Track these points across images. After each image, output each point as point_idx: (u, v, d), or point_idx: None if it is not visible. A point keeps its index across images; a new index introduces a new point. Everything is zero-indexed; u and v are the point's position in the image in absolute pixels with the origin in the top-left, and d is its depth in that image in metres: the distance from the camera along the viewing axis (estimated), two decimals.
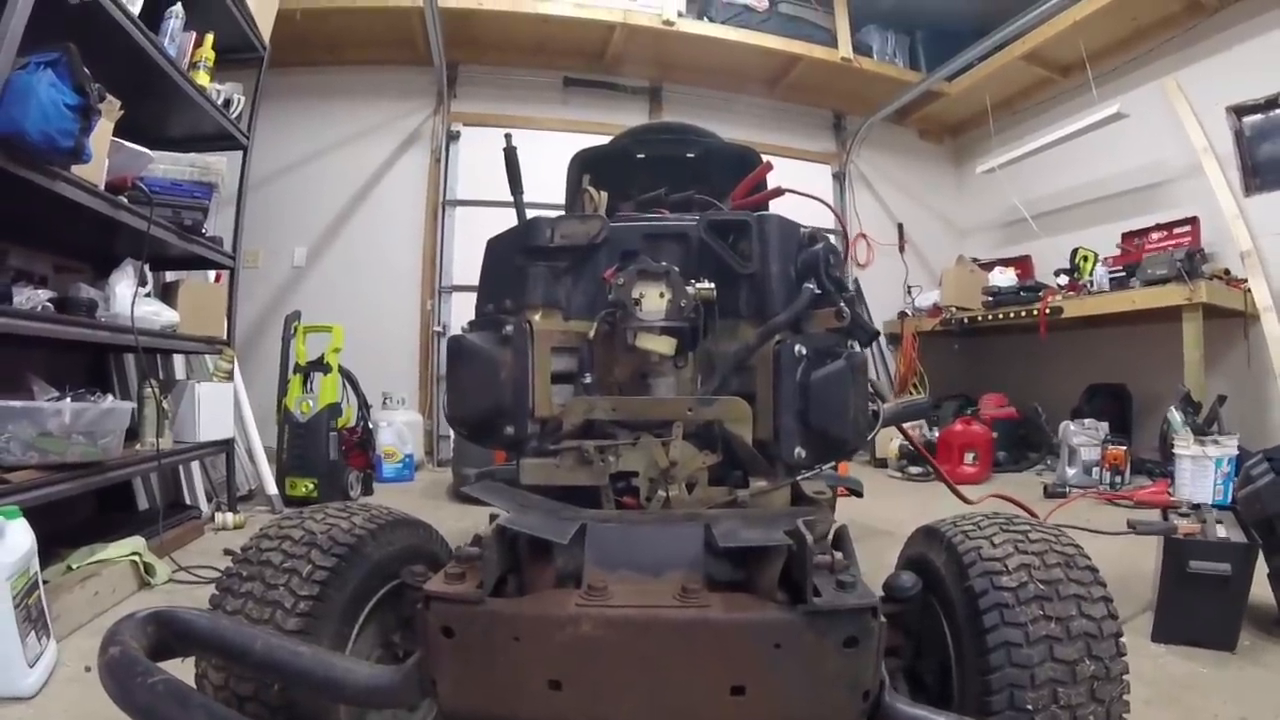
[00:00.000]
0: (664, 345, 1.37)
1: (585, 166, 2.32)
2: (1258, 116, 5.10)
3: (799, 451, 1.36)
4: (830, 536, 1.47)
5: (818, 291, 1.41)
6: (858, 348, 1.47)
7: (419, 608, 1.01)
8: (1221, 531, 2.21)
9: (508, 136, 2.04)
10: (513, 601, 1.03)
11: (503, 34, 6.27)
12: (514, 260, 1.54)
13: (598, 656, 0.94)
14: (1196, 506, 2.48)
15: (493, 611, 0.97)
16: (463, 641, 0.97)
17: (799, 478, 1.40)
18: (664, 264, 1.37)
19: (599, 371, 1.49)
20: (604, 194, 2.06)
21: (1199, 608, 2.14)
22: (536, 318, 1.49)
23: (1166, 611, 2.19)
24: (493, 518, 1.20)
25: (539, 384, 1.46)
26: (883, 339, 7.31)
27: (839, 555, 1.05)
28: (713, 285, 1.39)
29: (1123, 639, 1.15)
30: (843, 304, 1.42)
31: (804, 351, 1.36)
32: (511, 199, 1.91)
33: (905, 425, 2.97)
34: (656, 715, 0.95)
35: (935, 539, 1.33)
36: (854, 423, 1.36)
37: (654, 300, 1.36)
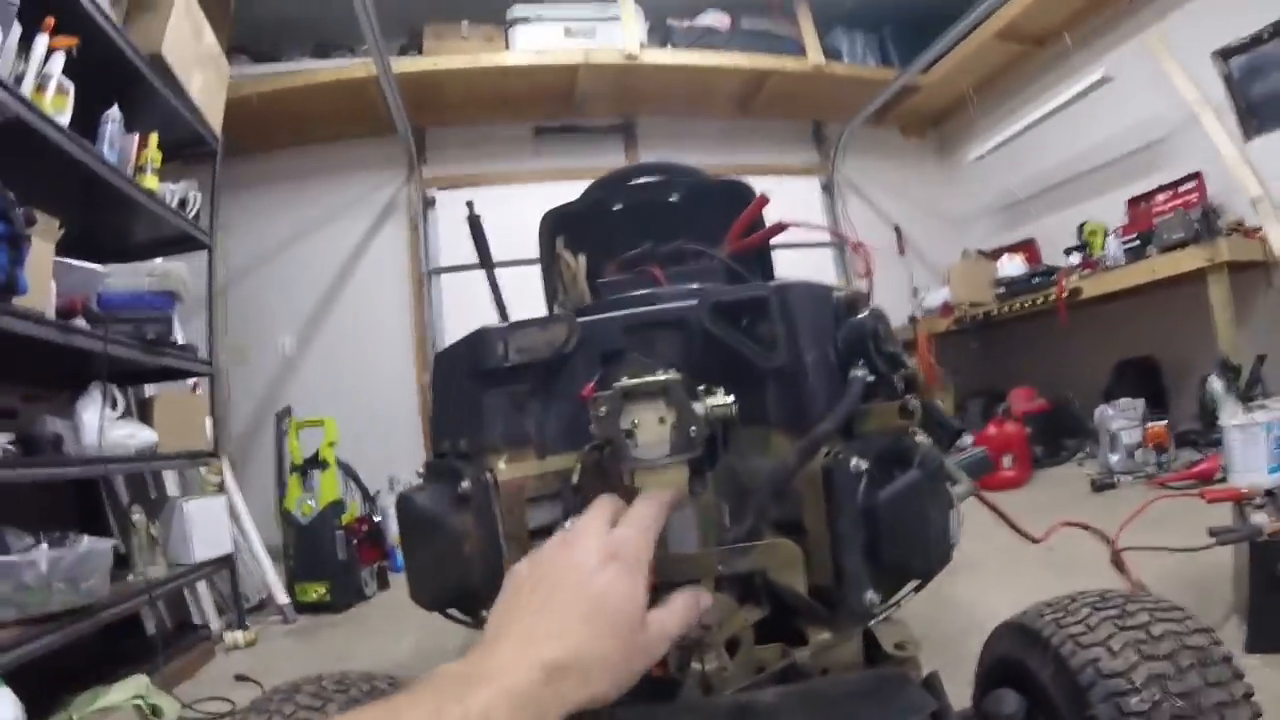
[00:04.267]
0: (672, 484, 0.98)
1: (558, 228, 2.03)
2: (1244, 57, 4.91)
3: (870, 597, 1.00)
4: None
5: (871, 379, 1.05)
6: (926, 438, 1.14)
7: None
8: None
9: (469, 205, 1.84)
10: None
11: (465, 92, 6.14)
12: (465, 385, 1.19)
13: None
14: (1271, 494, 2.26)
15: None
16: None
17: (871, 623, 1.07)
18: (659, 376, 0.97)
19: None
20: (582, 258, 1.82)
21: None
22: (501, 464, 1.14)
23: (1260, 620, 1.99)
24: None
25: (514, 551, 1.11)
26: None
27: None
28: (730, 400, 0.99)
29: None
30: (910, 397, 1.07)
31: (863, 466, 1.00)
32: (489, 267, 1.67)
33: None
34: None
35: (1034, 642, 1.08)
36: (936, 544, 1.02)
37: (652, 428, 0.96)
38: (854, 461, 0.97)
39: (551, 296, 2.06)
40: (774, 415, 1.06)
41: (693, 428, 0.93)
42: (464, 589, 1.11)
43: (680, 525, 1.01)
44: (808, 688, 1.01)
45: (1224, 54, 4.97)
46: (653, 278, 1.57)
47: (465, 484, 1.09)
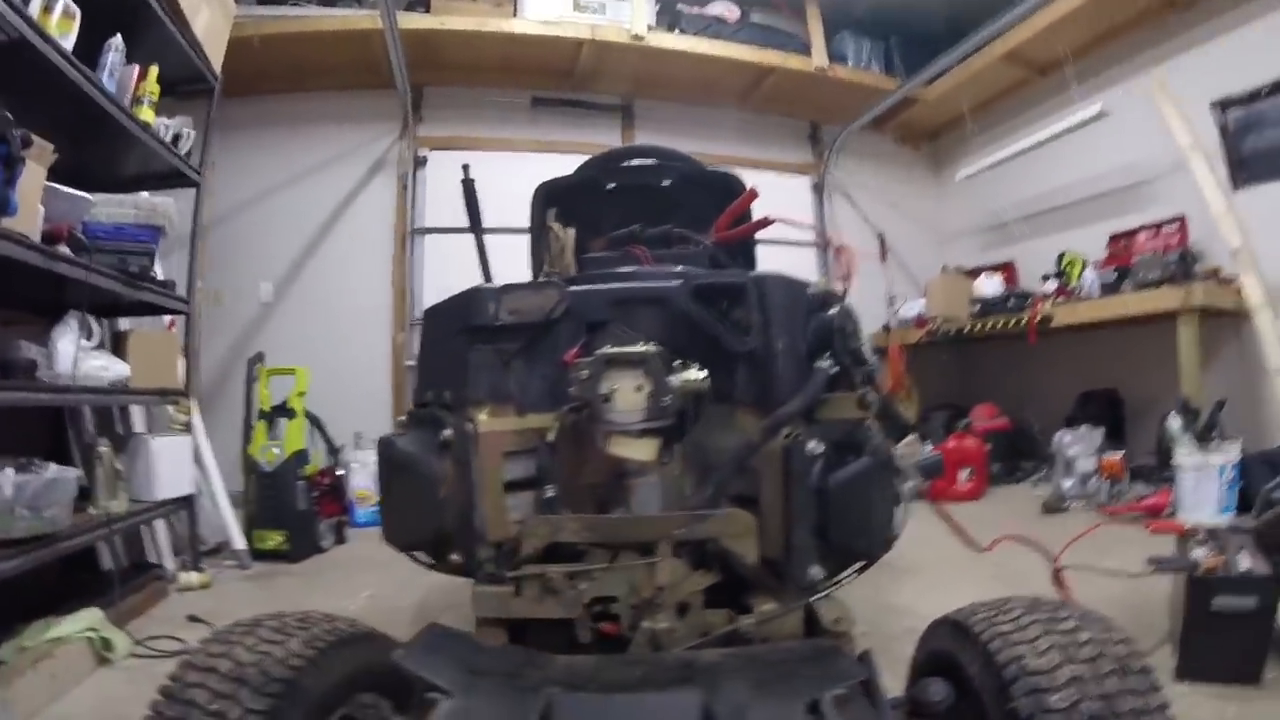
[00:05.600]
0: (644, 451, 1.06)
1: (550, 200, 2.07)
2: (1242, 109, 4.99)
3: (815, 571, 1.08)
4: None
5: (835, 370, 1.13)
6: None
7: None
8: (1244, 562, 2.08)
9: (465, 168, 1.86)
10: None
11: (468, 54, 6.09)
12: (454, 340, 1.24)
13: None
14: (1214, 532, 2.35)
15: None
16: None
17: (814, 598, 1.12)
18: (640, 347, 1.05)
19: (565, 475, 1.18)
20: (571, 231, 1.85)
21: (1223, 643, 2.03)
22: (482, 416, 1.20)
23: (1191, 650, 2.08)
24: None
25: (489, 501, 1.17)
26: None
27: None
28: (705, 374, 1.08)
29: None
30: (869, 390, 1.13)
31: (819, 449, 1.08)
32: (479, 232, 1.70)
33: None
34: None
35: (966, 639, 1.13)
36: (880, 530, 1.10)
37: (628, 396, 1.03)
38: (811, 444, 1.04)
39: (538, 266, 2.09)
40: (742, 395, 1.13)
41: (667, 398, 1.00)
42: (437, 531, 1.16)
43: (645, 491, 1.08)
44: (749, 651, 1.07)
45: (1223, 105, 5.05)
46: (638, 258, 1.62)
47: (448, 432, 1.14)
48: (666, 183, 2.11)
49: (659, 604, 1.08)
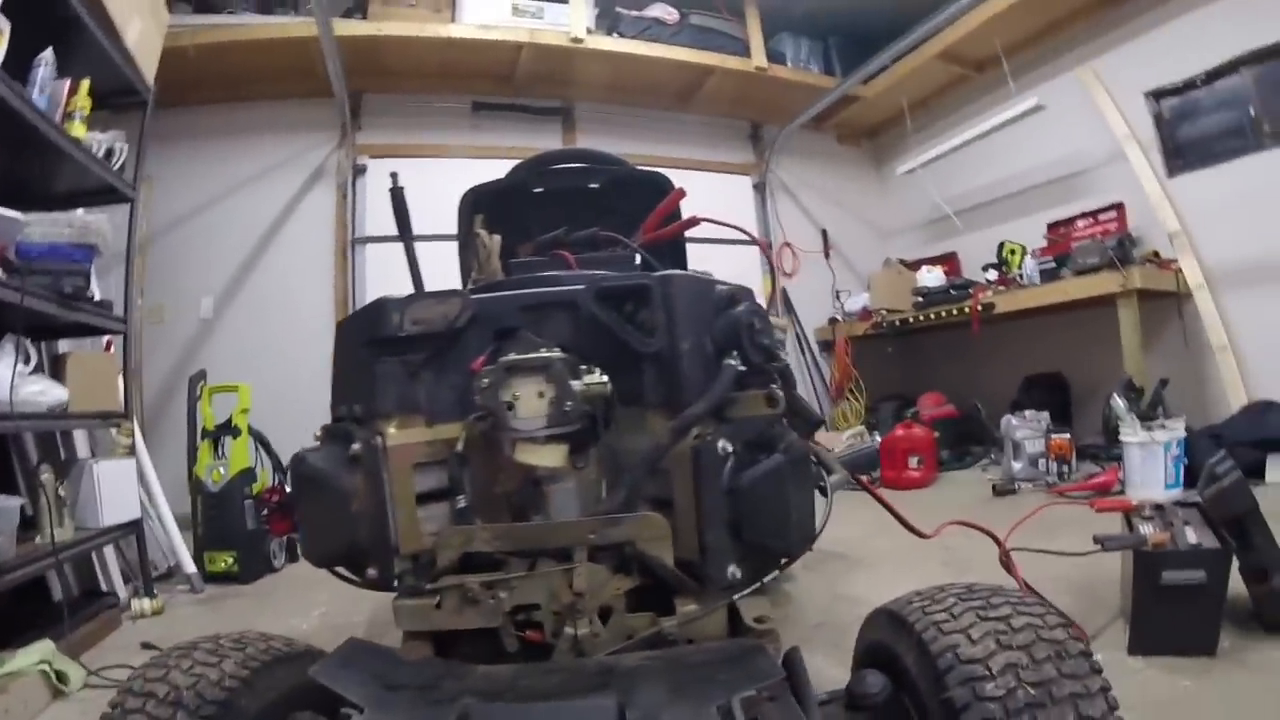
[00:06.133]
0: (550, 457, 1.06)
1: (478, 206, 2.05)
2: (1175, 99, 5.16)
3: (732, 571, 1.07)
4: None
5: (742, 368, 1.12)
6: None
7: None
8: (1191, 536, 2.11)
9: (393, 176, 1.83)
10: None
11: (406, 60, 6.04)
12: (361, 353, 1.22)
13: None
14: (1160, 507, 2.37)
15: None
16: None
17: (736, 597, 1.12)
18: (542, 353, 1.04)
19: (478, 485, 1.16)
20: (497, 237, 1.83)
21: (1176, 617, 2.05)
22: (391, 428, 1.18)
23: (1142, 624, 2.10)
24: None
25: (402, 513, 1.15)
26: (815, 346, 7.24)
27: None
28: (605, 379, 1.07)
29: None
30: (774, 387, 1.12)
31: (729, 448, 1.07)
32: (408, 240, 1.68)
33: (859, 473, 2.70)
34: None
35: (901, 629, 1.13)
36: (798, 527, 1.08)
37: (532, 402, 1.03)
38: (721, 443, 1.03)
39: (466, 273, 2.07)
40: (651, 397, 1.12)
41: (568, 403, 0.98)
42: (351, 547, 1.14)
43: (562, 496, 1.07)
44: (669, 654, 1.06)
45: (1156, 95, 5.22)
46: (567, 262, 1.60)
47: (356, 446, 1.12)
48: (595, 185, 2.11)
49: (580, 610, 1.07)
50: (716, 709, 0.87)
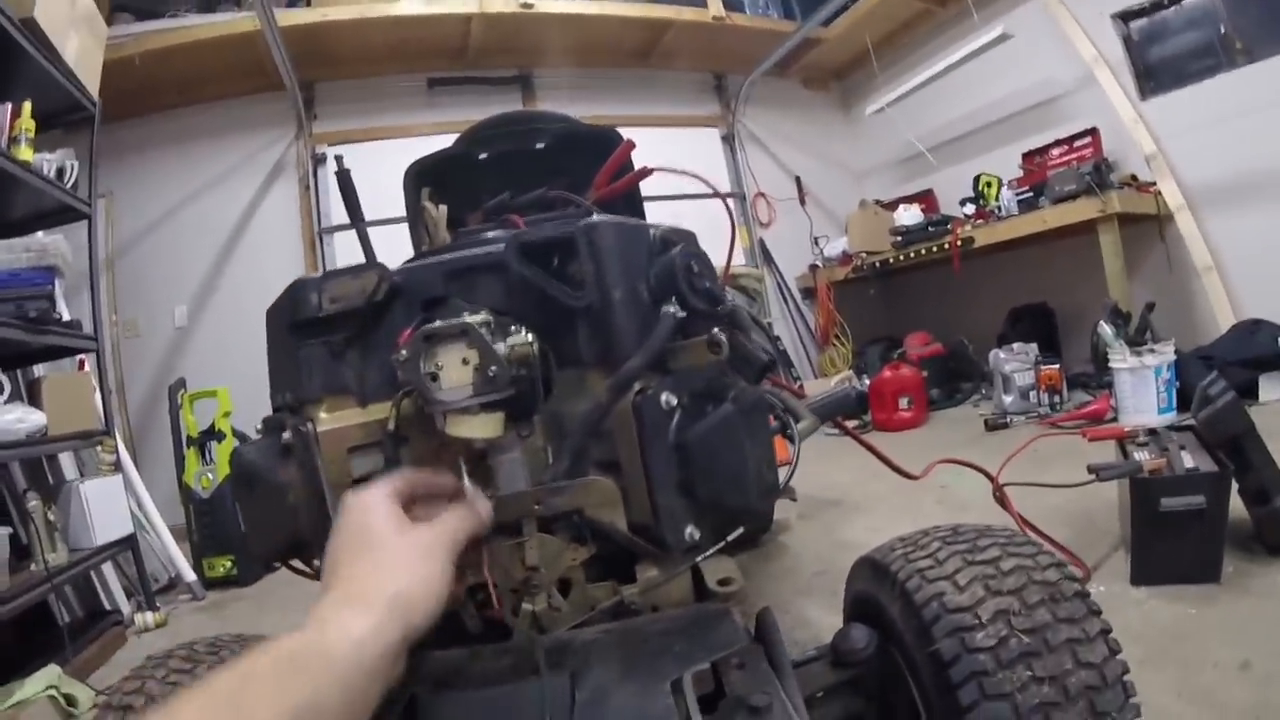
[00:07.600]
0: (484, 428, 0.95)
1: (421, 179, 1.96)
2: (1144, 20, 5.11)
3: (690, 532, 0.98)
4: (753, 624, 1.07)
5: (682, 314, 1.01)
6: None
7: None
8: (1188, 460, 2.07)
9: (339, 159, 1.74)
10: None
11: (356, 44, 5.90)
12: (287, 338, 1.13)
13: None
14: (1154, 432, 2.34)
15: None
16: None
17: (699, 559, 1.03)
18: (461, 319, 0.94)
19: (420, 464, 1.04)
20: (443, 208, 1.75)
21: (1177, 544, 2.00)
22: (321, 413, 1.10)
23: (1143, 553, 2.06)
24: None
25: (338, 501, 0.99)
26: (797, 293, 7.19)
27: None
28: (530, 339, 0.96)
29: (1128, 677, 0.92)
30: (717, 330, 1.00)
31: (674, 401, 0.97)
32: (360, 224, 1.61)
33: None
34: None
35: (884, 578, 1.08)
36: (757, 481, 0.99)
37: (456, 371, 0.93)
38: (664, 397, 0.95)
39: (418, 249, 2.00)
40: (587, 354, 1.02)
41: (493, 368, 0.90)
42: (294, 540, 1.08)
43: (508, 468, 1.00)
44: (627, 625, 1.00)
45: (1124, 16, 5.15)
46: (515, 226, 1.52)
47: (286, 435, 1.05)
48: (541, 145, 2.02)
49: (536, 584, 1.01)
50: (670, 684, 0.81)
